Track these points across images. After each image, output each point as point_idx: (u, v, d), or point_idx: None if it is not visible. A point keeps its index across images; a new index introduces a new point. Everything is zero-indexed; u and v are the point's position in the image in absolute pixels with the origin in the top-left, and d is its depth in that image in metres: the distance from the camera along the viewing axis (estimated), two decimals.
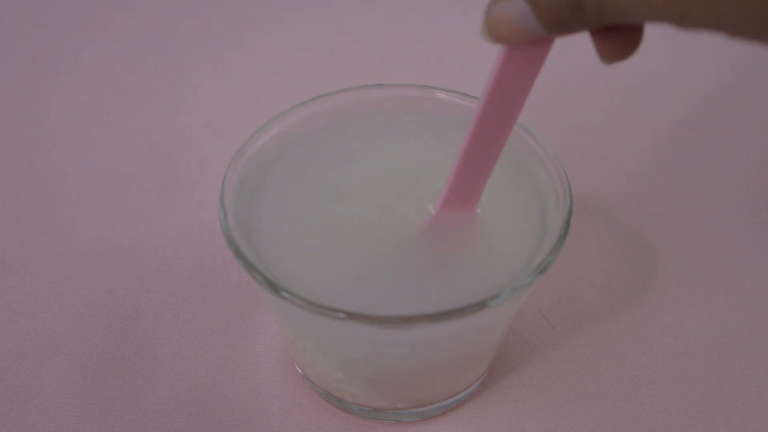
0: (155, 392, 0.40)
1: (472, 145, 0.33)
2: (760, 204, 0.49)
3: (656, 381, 0.40)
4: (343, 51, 0.62)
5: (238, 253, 0.33)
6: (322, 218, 0.36)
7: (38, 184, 0.51)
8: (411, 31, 0.64)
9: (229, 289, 0.44)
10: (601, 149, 0.53)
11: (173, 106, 0.57)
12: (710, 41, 0.63)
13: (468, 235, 0.35)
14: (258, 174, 0.38)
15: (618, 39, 0.29)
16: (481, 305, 0.31)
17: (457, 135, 0.35)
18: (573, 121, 0.55)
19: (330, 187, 0.37)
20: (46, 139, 0.54)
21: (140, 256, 0.46)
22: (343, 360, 0.36)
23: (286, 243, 0.35)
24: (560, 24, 0.27)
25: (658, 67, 0.60)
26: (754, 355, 0.42)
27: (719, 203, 0.49)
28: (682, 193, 0.50)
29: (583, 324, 0.43)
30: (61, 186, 0.50)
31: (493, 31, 0.28)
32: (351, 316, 0.31)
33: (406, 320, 0.31)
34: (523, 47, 0.29)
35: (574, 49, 0.62)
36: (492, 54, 0.31)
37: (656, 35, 0.64)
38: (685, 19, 0.25)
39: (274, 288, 0.32)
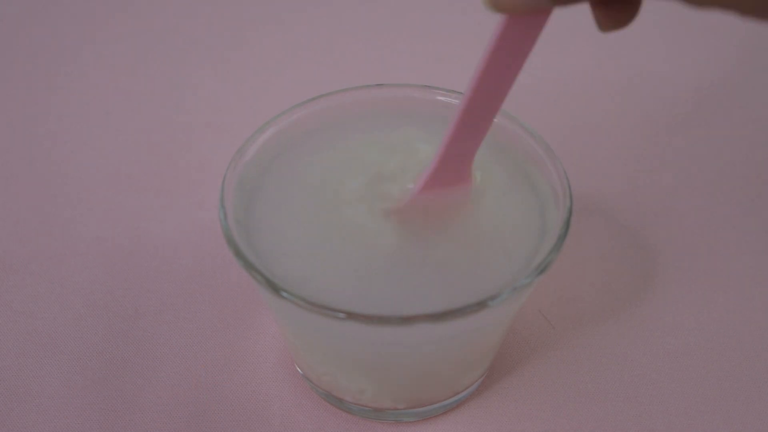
0: (155, 392, 0.40)
1: (467, 113, 0.32)
2: (760, 204, 0.49)
3: (656, 381, 0.41)
4: (343, 51, 0.62)
5: (238, 253, 0.33)
6: (322, 218, 0.36)
7: (38, 184, 0.51)
8: (411, 31, 0.64)
9: (229, 289, 0.44)
10: (601, 149, 0.53)
11: (173, 106, 0.57)
12: (710, 41, 0.63)
13: (464, 209, 0.35)
14: (258, 174, 0.38)
15: (616, 8, 0.30)
16: (481, 305, 0.31)
17: None
18: (573, 121, 0.55)
19: (330, 188, 0.37)
20: (46, 139, 0.54)
21: (140, 256, 0.46)
22: (343, 360, 0.36)
23: (286, 243, 0.35)
24: None
25: (658, 67, 0.60)
26: (754, 355, 0.42)
27: (719, 203, 0.49)
28: (682, 193, 0.50)
29: (583, 324, 0.43)
30: (61, 186, 0.50)
31: (497, 0, 0.28)
32: (351, 316, 0.31)
33: (406, 320, 0.31)
34: (523, 17, 0.29)
35: (574, 49, 0.62)
36: None
37: (656, 35, 0.64)
38: None
39: (274, 288, 0.32)
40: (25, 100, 0.57)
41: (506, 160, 0.39)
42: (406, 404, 0.38)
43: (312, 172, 0.38)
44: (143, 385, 0.40)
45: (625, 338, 0.42)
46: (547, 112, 0.56)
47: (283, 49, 0.62)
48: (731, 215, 0.49)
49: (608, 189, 0.50)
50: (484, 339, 0.36)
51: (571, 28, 0.63)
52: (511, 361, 0.41)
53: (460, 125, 0.33)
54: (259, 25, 0.65)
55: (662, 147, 0.53)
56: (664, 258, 0.46)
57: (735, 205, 0.49)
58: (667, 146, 0.54)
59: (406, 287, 0.33)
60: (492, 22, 0.32)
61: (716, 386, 0.40)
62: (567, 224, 0.34)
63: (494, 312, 0.32)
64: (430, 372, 0.36)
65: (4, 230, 0.48)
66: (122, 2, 0.67)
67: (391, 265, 0.34)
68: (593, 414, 0.39)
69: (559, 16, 0.64)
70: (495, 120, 0.40)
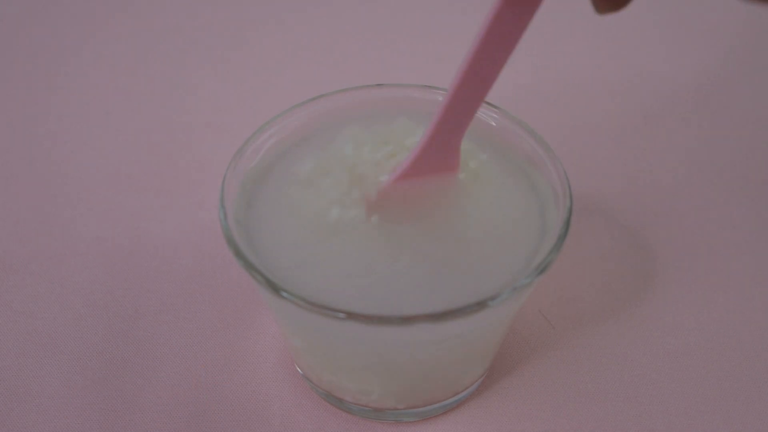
0: (155, 392, 0.40)
1: (459, 91, 0.33)
2: (760, 204, 0.49)
3: (656, 381, 0.40)
4: (343, 51, 0.62)
5: (238, 253, 0.33)
6: (322, 218, 0.36)
7: (38, 184, 0.51)
8: (411, 31, 0.64)
9: (229, 289, 0.44)
10: (601, 149, 0.53)
11: (173, 106, 0.57)
12: (710, 41, 0.63)
13: (452, 196, 0.35)
14: (258, 174, 0.38)
15: None
16: (481, 305, 0.31)
17: None
18: (573, 121, 0.55)
19: (330, 187, 0.37)
20: (46, 139, 0.54)
21: (140, 256, 0.46)
22: (344, 360, 0.36)
23: (286, 243, 0.35)
24: None
25: (658, 67, 0.60)
26: (754, 355, 0.42)
27: (719, 203, 0.49)
28: (682, 193, 0.50)
29: (583, 324, 0.43)
30: (61, 186, 0.51)
31: None
32: (351, 316, 0.31)
33: (406, 320, 0.31)
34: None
35: (575, 50, 0.62)
36: None
37: (656, 35, 0.64)
38: None
39: (274, 288, 0.32)
40: (25, 100, 0.57)
41: (506, 160, 0.39)
42: (406, 404, 0.38)
43: (312, 171, 0.38)
44: (143, 385, 0.40)
45: (625, 338, 0.42)
46: (547, 112, 0.56)
47: (283, 49, 0.62)
48: (731, 215, 0.49)
49: (608, 189, 0.50)
50: (484, 339, 0.36)
51: (571, 28, 0.63)
52: (511, 361, 0.41)
53: (449, 109, 0.33)
54: (259, 25, 0.65)
55: (662, 147, 0.54)
56: (664, 258, 0.46)
57: (735, 205, 0.49)
58: (667, 146, 0.54)
59: (406, 287, 0.33)
60: None
61: (716, 386, 0.40)
62: (567, 224, 0.34)
63: (494, 312, 0.32)
64: (430, 372, 0.36)
65: (4, 230, 0.48)
66: (122, 2, 0.67)
67: (391, 264, 0.34)
68: (593, 414, 0.39)
69: (559, 16, 0.64)
70: (495, 120, 0.40)
